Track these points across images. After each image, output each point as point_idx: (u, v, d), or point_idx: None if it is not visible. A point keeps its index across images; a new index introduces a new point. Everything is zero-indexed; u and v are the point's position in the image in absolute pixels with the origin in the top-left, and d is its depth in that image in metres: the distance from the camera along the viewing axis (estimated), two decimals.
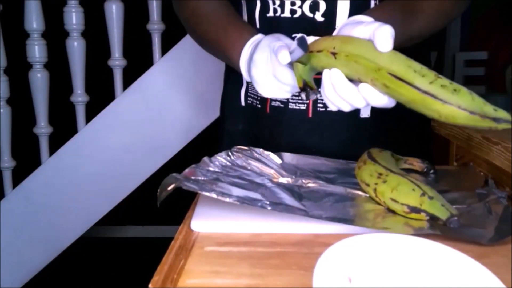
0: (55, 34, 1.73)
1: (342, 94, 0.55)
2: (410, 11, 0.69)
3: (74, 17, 1.72)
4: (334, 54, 0.55)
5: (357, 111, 0.80)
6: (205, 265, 0.45)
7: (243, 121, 0.89)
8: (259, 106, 0.85)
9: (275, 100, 0.82)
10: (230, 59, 0.75)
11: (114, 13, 1.75)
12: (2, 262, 1.76)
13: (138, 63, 1.83)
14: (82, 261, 2.52)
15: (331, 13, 0.74)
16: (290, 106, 0.81)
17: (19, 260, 1.80)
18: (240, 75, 0.87)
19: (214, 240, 0.51)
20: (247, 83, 0.87)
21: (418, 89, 0.48)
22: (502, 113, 0.47)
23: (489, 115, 0.47)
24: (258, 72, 0.66)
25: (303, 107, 0.80)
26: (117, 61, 1.80)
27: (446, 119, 0.48)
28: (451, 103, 0.47)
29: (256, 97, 0.85)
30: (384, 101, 0.53)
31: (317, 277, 0.34)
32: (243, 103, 0.88)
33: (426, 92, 0.48)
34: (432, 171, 0.72)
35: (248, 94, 0.87)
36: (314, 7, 0.75)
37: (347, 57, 0.54)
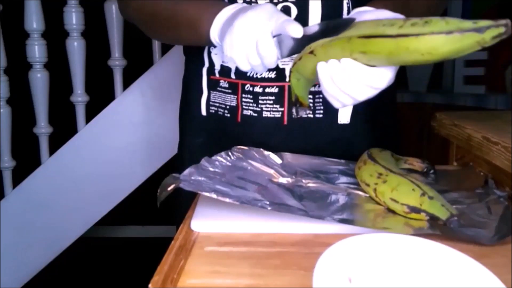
0: (55, 34, 1.73)
1: (340, 84, 0.55)
2: (403, 11, 0.70)
3: (74, 17, 1.72)
4: (311, 52, 0.56)
5: (335, 117, 0.79)
6: (205, 265, 0.45)
7: (204, 132, 0.86)
8: (228, 115, 0.82)
9: (247, 109, 0.79)
10: (198, 27, 0.70)
11: (114, 13, 1.75)
12: (2, 262, 1.76)
13: (138, 63, 1.83)
14: (82, 261, 2.52)
15: (303, 18, 0.73)
16: (264, 115, 0.78)
17: (19, 260, 1.80)
18: (199, 82, 0.84)
19: (214, 240, 0.51)
20: (209, 91, 0.84)
21: (389, 36, 0.47)
22: (482, 23, 0.43)
23: (468, 28, 0.43)
24: (242, 30, 0.60)
25: (278, 114, 0.78)
26: (117, 61, 1.80)
27: (430, 54, 0.46)
28: (424, 33, 0.45)
29: (223, 106, 0.82)
30: (375, 75, 0.53)
31: (317, 277, 0.34)
32: (204, 113, 0.85)
33: (397, 35, 0.47)
34: (432, 171, 0.72)
35: (211, 103, 0.84)
36: (285, 12, 0.73)
37: (323, 46, 0.55)
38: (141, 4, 0.78)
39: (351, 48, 0.51)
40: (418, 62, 0.48)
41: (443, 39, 0.44)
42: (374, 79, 0.54)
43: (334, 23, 0.58)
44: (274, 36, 0.60)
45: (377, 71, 0.53)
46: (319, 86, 0.75)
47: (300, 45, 0.58)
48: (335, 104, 0.59)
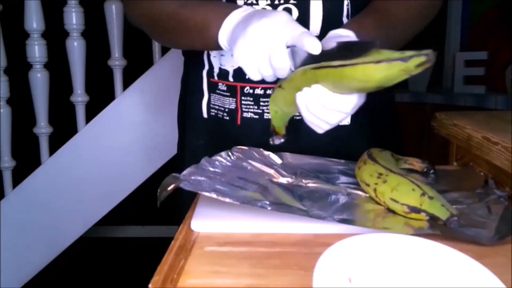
0: (55, 34, 1.73)
1: (314, 111, 0.57)
2: (387, 21, 0.70)
3: (74, 17, 1.72)
4: (280, 86, 0.60)
5: None
6: (205, 265, 0.45)
7: (205, 134, 0.86)
8: (227, 118, 0.81)
9: (248, 111, 0.79)
10: (206, 30, 0.68)
11: (114, 13, 1.75)
12: (2, 262, 1.76)
13: (138, 63, 1.83)
14: (82, 261, 2.52)
15: (304, 20, 0.73)
16: (265, 116, 0.78)
17: (19, 260, 1.80)
18: (200, 84, 0.84)
19: (214, 240, 0.51)
20: (209, 93, 0.83)
21: (333, 66, 0.52)
22: (408, 53, 0.47)
23: (394, 58, 0.48)
24: (255, 39, 0.58)
25: None
26: (117, 61, 1.80)
27: (365, 81, 0.51)
28: (358, 63, 0.50)
29: (222, 108, 0.82)
30: (341, 101, 0.55)
31: (317, 277, 0.34)
32: (205, 115, 0.85)
33: (339, 66, 0.52)
34: (432, 171, 0.72)
35: (211, 105, 0.83)
36: None
37: (287, 81, 0.60)
38: (147, 8, 0.77)
39: (307, 79, 0.56)
40: (359, 88, 0.53)
41: (373, 68, 0.49)
42: (340, 105, 0.56)
43: (352, 43, 0.57)
44: (288, 47, 0.58)
45: (341, 97, 0.55)
46: None
47: (315, 57, 0.56)
48: (316, 129, 0.61)
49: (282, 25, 0.58)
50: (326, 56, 0.55)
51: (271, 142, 0.65)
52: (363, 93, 0.58)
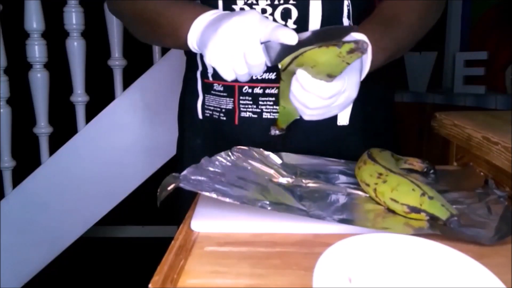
0: (55, 34, 1.73)
1: (308, 87, 0.58)
2: (393, 25, 0.70)
3: (74, 17, 1.72)
4: (281, 78, 0.64)
5: (334, 119, 0.79)
6: (205, 265, 0.45)
7: (202, 135, 0.86)
8: (224, 118, 0.81)
9: (246, 111, 0.79)
10: (177, 31, 0.68)
11: None
12: (2, 262, 1.76)
13: (138, 63, 1.83)
14: (82, 261, 2.52)
15: (303, 20, 0.73)
16: (264, 116, 0.78)
17: (19, 260, 1.80)
18: (195, 85, 0.84)
19: (214, 240, 0.51)
20: (204, 94, 0.83)
21: (296, 57, 0.57)
22: (347, 43, 0.52)
23: (331, 44, 0.53)
24: (228, 38, 0.58)
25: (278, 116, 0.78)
26: (117, 61, 1.80)
27: (315, 66, 0.55)
28: (306, 50, 0.55)
29: (218, 109, 0.81)
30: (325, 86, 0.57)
31: (317, 277, 0.34)
32: (200, 116, 0.85)
33: (297, 56, 0.57)
34: (432, 171, 0.72)
35: (206, 106, 0.84)
36: (286, 15, 0.73)
37: (283, 73, 0.63)
38: (125, 2, 0.77)
39: (288, 73, 0.61)
40: (318, 74, 0.56)
41: (316, 51, 0.54)
42: (317, 89, 0.57)
43: (329, 29, 0.58)
44: (261, 43, 0.58)
45: (319, 82, 0.57)
46: None
47: (288, 50, 0.57)
48: (302, 115, 0.62)
49: (254, 22, 0.58)
50: (302, 46, 0.56)
51: (270, 133, 0.67)
52: (351, 87, 0.60)
